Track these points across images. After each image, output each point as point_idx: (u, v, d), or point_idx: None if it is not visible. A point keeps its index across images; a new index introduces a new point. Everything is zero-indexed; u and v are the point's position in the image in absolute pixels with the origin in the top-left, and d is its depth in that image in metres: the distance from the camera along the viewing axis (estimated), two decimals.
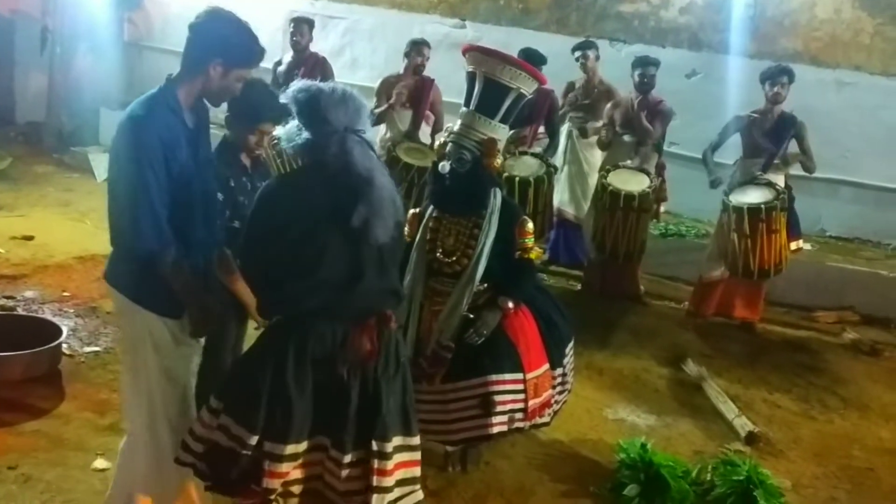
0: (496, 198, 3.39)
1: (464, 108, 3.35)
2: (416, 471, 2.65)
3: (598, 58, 6.54)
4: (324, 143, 2.45)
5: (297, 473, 2.50)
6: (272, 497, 2.49)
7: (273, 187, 2.57)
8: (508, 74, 3.25)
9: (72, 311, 4.79)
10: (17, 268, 5.41)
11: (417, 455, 2.65)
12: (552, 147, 6.25)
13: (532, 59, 5.78)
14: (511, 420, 3.30)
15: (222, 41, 2.49)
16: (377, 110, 6.08)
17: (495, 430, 3.25)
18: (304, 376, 2.46)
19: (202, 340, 2.77)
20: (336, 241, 2.44)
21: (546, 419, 3.54)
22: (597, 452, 3.92)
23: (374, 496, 2.48)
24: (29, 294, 5.01)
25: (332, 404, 2.50)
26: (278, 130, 2.87)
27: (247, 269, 2.65)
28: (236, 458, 2.45)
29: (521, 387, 3.31)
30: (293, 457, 2.46)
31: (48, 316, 4.58)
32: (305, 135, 2.49)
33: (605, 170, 6.08)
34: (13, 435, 3.48)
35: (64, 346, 4.14)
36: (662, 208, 6.50)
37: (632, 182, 5.86)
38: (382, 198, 2.44)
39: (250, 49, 2.54)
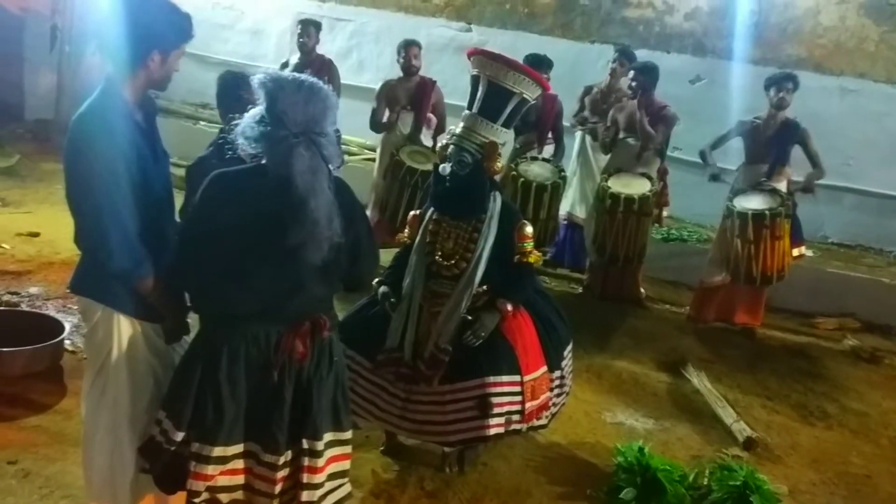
0: (496, 201, 3.40)
1: (466, 111, 3.36)
2: (347, 464, 2.68)
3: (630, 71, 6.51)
4: (270, 147, 2.33)
5: (224, 480, 2.47)
6: (197, 502, 2.46)
7: (216, 184, 2.43)
8: (512, 79, 3.26)
9: (75, 307, 4.79)
10: (22, 264, 5.46)
11: (348, 448, 2.68)
12: (559, 152, 6.26)
13: (539, 64, 5.83)
14: (508, 422, 3.31)
15: (153, 31, 2.40)
16: (382, 120, 6.15)
17: (492, 431, 3.26)
18: (238, 377, 2.44)
19: (185, 339, 2.69)
20: (276, 252, 2.36)
21: (543, 421, 3.56)
22: (594, 455, 3.93)
23: (304, 492, 2.51)
24: (33, 290, 5.05)
25: (266, 408, 2.48)
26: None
27: (180, 268, 2.48)
28: (161, 453, 2.46)
29: (518, 389, 3.32)
30: (220, 460, 2.44)
31: (52, 312, 4.61)
32: (260, 129, 2.33)
33: (606, 173, 6.10)
34: (14, 430, 3.50)
35: (66, 342, 4.17)
36: (665, 213, 6.51)
37: (633, 186, 5.87)
38: (317, 220, 2.32)
39: (181, 28, 2.46)
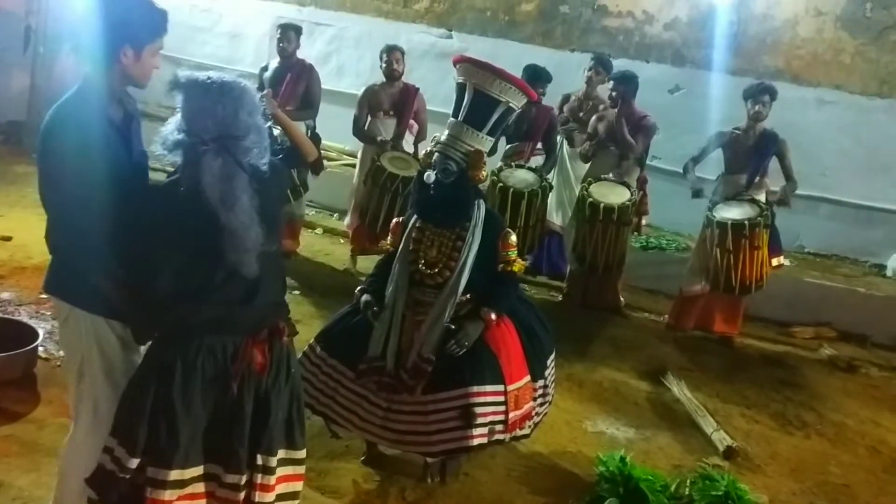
0: (480, 209, 3.37)
1: (452, 119, 3.34)
2: (299, 485, 2.60)
3: (606, 80, 6.52)
4: (182, 156, 2.25)
5: None
6: None
7: (149, 202, 2.36)
8: (498, 88, 3.24)
9: (49, 313, 4.70)
10: None
11: (301, 469, 2.61)
12: (549, 163, 6.24)
13: (538, 77, 5.86)
14: (491, 432, 3.27)
15: (123, 25, 2.38)
16: (362, 125, 6.14)
17: (475, 442, 3.22)
18: (192, 393, 2.34)
19: None
20: (218, 263, 2.29)
21: (526, 431, 3.54)
22: (576, 465, 3.92)
23: None
24: (5, 296, 4.94)
25: (226, 425, 2.39)
26: None
27: (126, 283, 2.37)
28: (116, 483, 2.34)
29: (501, 399, 3.29)
30: (178, 484, 2.33)
31: (24, 318, 4.52)
32: (174, 138, 2.26)
33: (586, 181, 6.10)
34: None
35: (40, 349, 4.08)
36: (644, 222, 6.53)
37: (612, 194, 5.88)
38: (233, 231, 2.24)
39: (153, 22, 2.43)
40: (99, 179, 2.31)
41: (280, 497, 2.52)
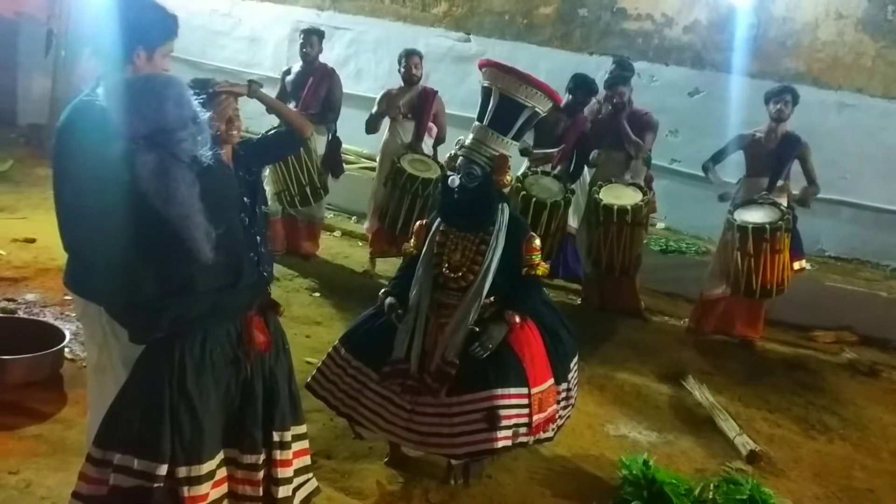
0: (504, 214, 3.38)
1: (477, 123, 3.34)
2: (308, 459, 2.70)
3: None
4: (125, 161, 2.23)
5: (214, 494, 2.40)
6: None
7: (118, 207, 2.33)
8: (525, 92, 3.24)
9: (73, 314, 4.75)
10: (18, 270, 5.39)
11: (307, 443, 2.70)
12: (576, 173, 6.10)
13: (585, 87, 5.85)
14: (515, 435, 3.28)
15: (137, 27, 2.46)
16: (378, 123, 6.17)
17: (500, 444, 3.23)
18: (208, 386, 2.38)
19: None
20: (191, 255, 2.27)
21: (550, 434, 3.54)
22: (599, 468, 3.91)
23: (281, 488, 2.49)
24: (30, 297, 4.99)
25: (239, 408, 2.45)
26: None
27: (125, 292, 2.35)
28: (147, 496, 2.30)
29: (525, 401, 3.30)
30: (210, 475, 2.37)
31: (50, 319, 4.57)
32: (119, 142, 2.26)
33: (596, 185, 6.05)
34: (14, 439, 3.45)
35: (66, 350, 4.13)
36: (655, 224, 6.48)
37: (624, 196, 5.83)
38: (176, 223, 2.22)
39: (164, 25, 2.52)
40: (114, 177, 2.32)
41: (297, 472, 2.59)
